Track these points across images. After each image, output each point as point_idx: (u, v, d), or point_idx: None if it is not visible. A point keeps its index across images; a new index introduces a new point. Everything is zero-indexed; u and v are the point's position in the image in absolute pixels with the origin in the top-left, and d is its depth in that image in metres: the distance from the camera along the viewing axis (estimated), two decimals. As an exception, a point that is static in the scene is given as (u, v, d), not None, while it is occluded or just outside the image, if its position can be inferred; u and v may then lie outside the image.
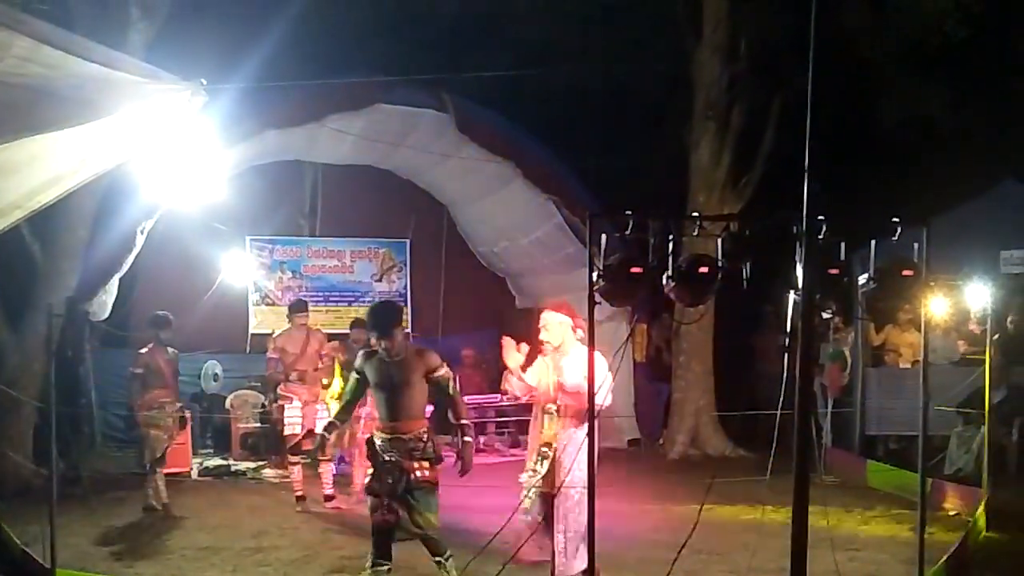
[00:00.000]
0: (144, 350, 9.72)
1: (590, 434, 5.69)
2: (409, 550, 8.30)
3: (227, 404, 13.27)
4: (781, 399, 6.54)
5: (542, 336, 7.06)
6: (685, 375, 13.57)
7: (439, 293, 15.82)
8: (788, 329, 7.29)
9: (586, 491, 6.28)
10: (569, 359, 6.93)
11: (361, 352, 6.83)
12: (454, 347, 14.42)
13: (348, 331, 11.10)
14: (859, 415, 12.00)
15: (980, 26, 12.16)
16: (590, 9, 14.04)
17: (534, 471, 6.89)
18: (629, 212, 5.56)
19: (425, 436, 6.49)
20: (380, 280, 15.89)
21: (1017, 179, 11.90)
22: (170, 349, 9.93)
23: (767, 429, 6.87)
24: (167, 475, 11.28)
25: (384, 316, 6.51)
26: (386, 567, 6.44)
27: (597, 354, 6.58)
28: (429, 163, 14.18)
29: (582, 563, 6.59)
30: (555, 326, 7.03)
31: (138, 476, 11.40)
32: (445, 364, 6.72)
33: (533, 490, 6.79)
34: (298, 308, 10.42)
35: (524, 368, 7.23)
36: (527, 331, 15.67)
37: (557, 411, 7.02)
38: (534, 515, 6.83)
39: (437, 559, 6.54)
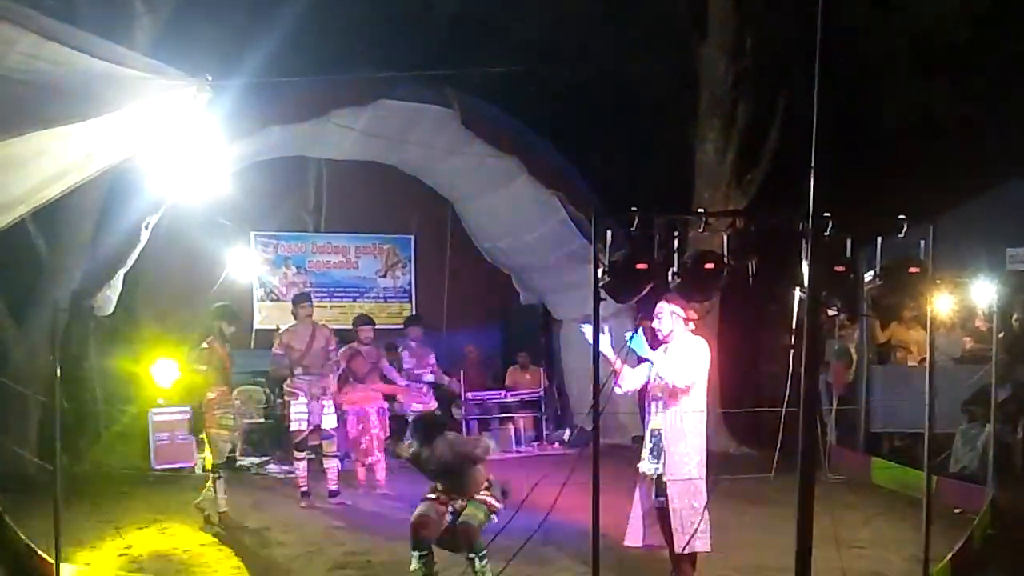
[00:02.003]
0: (204, 345, 9.31)
1: (595, 431, 5.68)
2: (402, 551, 8.33)
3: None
4: (786, 397, 6.55)
5: (655, 324, 7.04)
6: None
7: (443, 289, 15.80)
8: (794, 326, 7.30)
9: (697, 473, 6.55)
10: (674, 348, 6.91)
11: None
12: (458, 343, 14.44)
13: (352, 327, 11.12)
14: (864, 412, 11.98)
15: (985, 25, 12.14)
16: (595, 6, 14.02)
17: (651, 458, 6.87)
18: (634, 208, 5.55)
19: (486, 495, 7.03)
20: (385, 276, 15.88)
21: (1022, 177, 11.87)
22: (227, 344, 9.47)
23: (772, 427, 6.87)
24: (170, 471, 11.35)
25: (426, 428, 7.10)
26: (426, 553, 6.91)
27: (699, 341, 6.73)
28: (434, 159, 14.16)
29: (701, 543, 6.64)
30: (667, 316, 6.98)
31: (142, 472, 11.46)
32: (494, 487, 7.13)
33: (653, 476, 6.82)
34: (302, 299, 10.42)
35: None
36: (531, 328, 15.75)
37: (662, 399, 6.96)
38: (657, 501, 6.83)
39: (471, 556, 6.85)
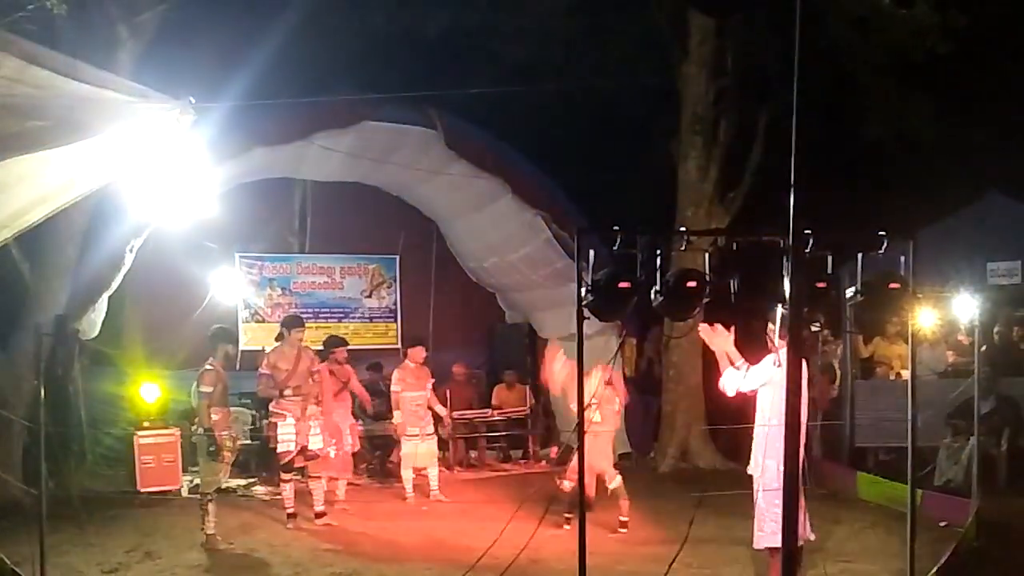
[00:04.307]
0: (209, 367, 9.26)
1: (580, 448, 5.71)
2: (389, 571, 8.34)
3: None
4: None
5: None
6: (675, 388, 13.60)
7: (429, 309, 15.81)
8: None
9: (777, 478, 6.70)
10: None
11: None
12: (444, 362, 14.42)
13: (324, 348, 11.08)
14: (849, 427, 12.02)
15: (964, 40, 12.24)
16: (577, 25, 14.08)
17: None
18: (617, 227, 5.59)
19: None
20: (370, 296, 15.89)
21: (1001, 191, 11.97)
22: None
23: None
24: (156, 494, 11.32)
25: None
26: None
27: (771, 356, 6.84)
28: (418, 179, 14.20)
29: (770, 540, 6.87)
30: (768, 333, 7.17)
31: (128, 495, 11.40)
32: None
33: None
34: (297, 323, 10.34)
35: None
36: (517, 346, 15.75)
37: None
38: None
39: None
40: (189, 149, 5.33)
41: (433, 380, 11.84)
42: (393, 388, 11.52)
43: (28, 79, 4.12)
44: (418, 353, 11.60)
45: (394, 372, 11.68)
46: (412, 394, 11.42)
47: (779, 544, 6.97)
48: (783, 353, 7.04)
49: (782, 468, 6.95)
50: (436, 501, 11.31)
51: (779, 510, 6.87)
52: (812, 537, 7.09)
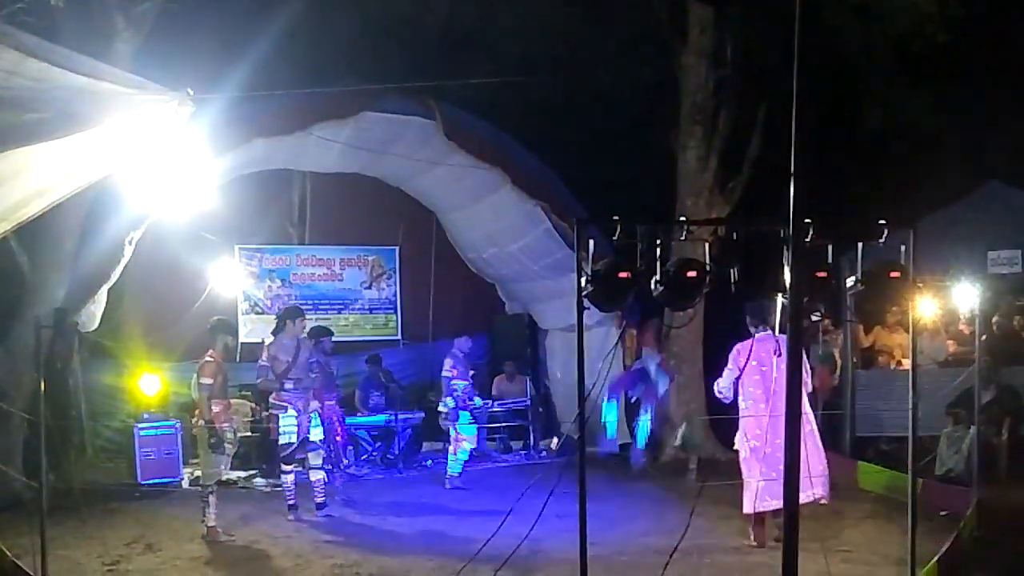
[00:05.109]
0: (209, 358, 9.30)
1: (581, 438, 5.71)
2: (390, 562, 8.35)
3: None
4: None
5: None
6: (675, 378, 13.59)
7: (429, 300, 15.80)
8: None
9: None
10: None
11: None
12: (444, 353, 14.43)
13: (311, 339, 11.04)
14: (850, 417, 12.01)
15: (963, 29, 12.22)
16: (576, 16, 14.04)
17: None
18: (617, 217, 5.58)
19: None
20: (370, 288, 15.86)
21: (1001, 180, 11.96)
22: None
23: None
24: (157, 487, 11.33)
25: None
26: None
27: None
28: (417, 170, 14.16)
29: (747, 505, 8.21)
30: None
31: (128, 487, 11.40)
32: None
33: None
34: (297, 314, 10.31)
35: None
36: (517, 337, 15.74)
37: None
38: None
39: None
40: (188, 141, 5.33)
41: (473, 371, 12.02)
42: (444, 374, 11.78)
43: (26, 71, 4.11)
44: (464, 343, 12.01)
45: (446, 359, 11.92)
46: (463, 383, 11.73)
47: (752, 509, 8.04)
48: (783, 340, 7.13)
49: (755, 445, 7.53)
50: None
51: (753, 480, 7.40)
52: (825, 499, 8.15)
